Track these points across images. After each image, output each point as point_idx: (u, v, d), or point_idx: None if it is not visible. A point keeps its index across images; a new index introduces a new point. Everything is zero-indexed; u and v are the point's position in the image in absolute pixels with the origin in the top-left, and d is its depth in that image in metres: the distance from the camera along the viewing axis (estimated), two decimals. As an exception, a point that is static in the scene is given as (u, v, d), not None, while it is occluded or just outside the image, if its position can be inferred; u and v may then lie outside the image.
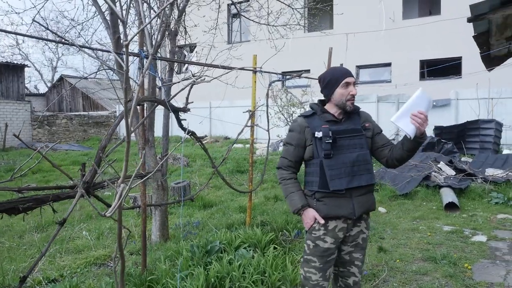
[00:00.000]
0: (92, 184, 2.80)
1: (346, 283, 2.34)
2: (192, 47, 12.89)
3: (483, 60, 4.63)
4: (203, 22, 6.34)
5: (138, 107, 3.64)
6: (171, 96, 3.80)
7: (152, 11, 4.69)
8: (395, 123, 2.12)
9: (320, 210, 2.20)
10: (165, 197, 4.58)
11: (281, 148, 10.57)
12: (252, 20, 6.59)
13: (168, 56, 4.78)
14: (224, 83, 4.94)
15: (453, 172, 7.63)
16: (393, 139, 12.41)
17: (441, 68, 13.43)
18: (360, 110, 2.35)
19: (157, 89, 4.26)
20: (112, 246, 4.56)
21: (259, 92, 5.00)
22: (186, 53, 14.58)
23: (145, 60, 3.14)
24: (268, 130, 4.69)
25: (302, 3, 7.01)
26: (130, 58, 3.83)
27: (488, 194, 6.72)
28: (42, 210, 2.57)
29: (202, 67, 4.52)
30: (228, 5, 6.28)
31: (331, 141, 2.14)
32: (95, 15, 4.96)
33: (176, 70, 4.93)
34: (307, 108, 2.58)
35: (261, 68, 4.48)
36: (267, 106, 4.92)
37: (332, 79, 2.24)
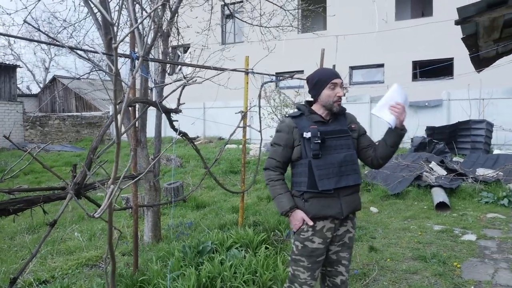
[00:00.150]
0: (83, 185, 2.81)
1: (334, 282, 2.36)
2: (185, 48, 12.89)
3: (472, 61, 4.69)
4: (196, 23, 6.36)
5: (129, 108, 3.65)
6: (163, 97, 3.82)
7: (144, 12, 4.69)
8: (376, 114, 2.28)
9: (308, 211, 2.22)
10: (157, 198, 4.59)
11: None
12: (245, 22, 6.62)
13: (160, 57, 4.79)
14: (216, 84, 4.96)
15: (444, 172, 7.71)
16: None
17: (433, 69, 13.54)
18: (346, 111, 2.39)
19: (149, 90, 4.27)
20: (104, 247, 4.56)
21: (252, 93, 5.03)
22: (180, 54, 14.57)
23: (136, 61, 3.15)
24: (260, 131, 4.71)
25: (295, 5, 7.04)
26: (123, 59, 3.84)
27: (478, 194, 6.80)
28: (34, 211, 2.57)
29: (195, 68, 4.54)
30: (221, 6, 6.29)
31: (319, 141, 2.17)
32: (87, 16, 4.96)
33: (168, 71, 4.93)
34: None
35: (252, 69, 4.51)
36: (259, 107, 4.95)
37: (320, 81, 2.27)
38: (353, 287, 3.53)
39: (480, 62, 4.72)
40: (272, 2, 6.25)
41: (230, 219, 5.40)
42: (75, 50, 3.20)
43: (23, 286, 3.57)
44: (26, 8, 4.58)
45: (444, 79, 14.21)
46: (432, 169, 7.82)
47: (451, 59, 13.77)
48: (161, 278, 3.23)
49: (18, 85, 23.92)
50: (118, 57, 3.59)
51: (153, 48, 4.68)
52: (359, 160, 2.37)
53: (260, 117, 4.96)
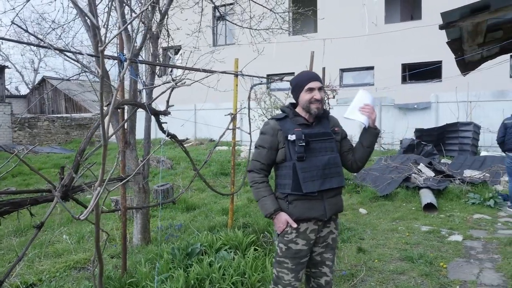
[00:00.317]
0: (70, 187, 2.80)
1: (318, 283, 2.39)
2: (177, 50, 12.87)
3: (458, 65, 4.78)
4: (186, 25, 6.36)
5: (118, 110, 3.64)
6: (152, 99, 3.82)
7: (133, 14, 4.69)
8: (348, 117, 2.36)
9: (292, 213, 2.24)
10: (146, 200, 4.58)
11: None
12: (235, 24, 6.64)
13: (150, 59, 4.78)
14: (206, 86, 4.97)
15: (432, 174, 7.82)
16: None
17: (422, 72, 13.72)
18: (330, 114, 2.42)
19: (139, 92, 4.26)
20: (93, 250, 4.53)
21: (242, 95, 5.05)
22: (171, 56, 14.54)
23: (124, 63, 3.15)
24: (250, 133, 4.73)
25: (284, 8, 7.09)
26: (112, 61, 3.83)
27: (465, 195, 6.90)
28: (21, 214, 2.55)
29: (185, 70, 4.54)
30: (213, 7, 6.31)
31: (304, 144, 2.19)
32: (76, 17, 4.94)
33: (157, 73, 4.93)
34: None
35: (241, 71, 4.53)
36: (249, 109, 4.97)
37: (297, 84, 2.31)
38: (340, 287, 3.56)
39: (466, 65, 4.80)
40: (261, 5, 6.29)
41: (220, 221, 5.41)
42: (62, 51, 3.19)
43: (10, 290, 3.54)
44: (14, 9, 4.55)
45: (433, 82, 14.39)
46: (421, 171, 7.92)
47: (440, 62, 13.96)
48: (150, 281, 3.23)
49: (6, 86, 23.63)
50: (107, 59, 3.58)
51: (143, 49, 4.67)
52: None
53: (249, 119, 4.98)
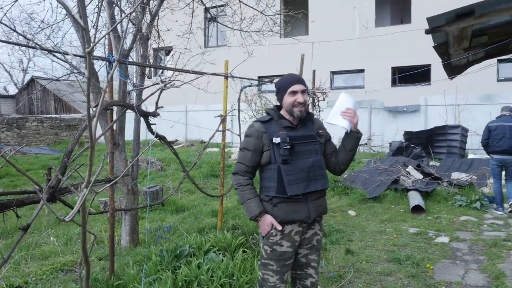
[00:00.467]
0: (57, 189, 2.78)
1: (304, 284, 2.40)
2: (168, 51, 12.84)
3: (445, 68, 4.85)
4: (177, 26, 6.36)
5: (107, 111, 3.63)
6: (141, 101, 3.81)
7: (124, 14, 4.67)
8: (330, 122, 2.37)
9: (277, 215, 2.25)
10: (135, 202, 4.56)
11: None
12: (226, 26, 6.66)
13: (140, 60, 4.77)
14: (196, 88, 4.97)
15: (420, 176, 7.91)
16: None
17: (411, 75, 13.89)
18: (314, 117, 2.45)
19: (128, 93, 4.25)
20: (80, 252, 4.49)
21: (233, 96, 5.06)
22: (162, 57, 14.49)
23: (113, 64, 3.14)
24: (239, 135, 4.74)
25: (275, 10, 7.13)
26: (101, 61, 3.81)
27: (452, 197, 7.00)
28: (9, 216, 2.53)
29: (175, 71, 4.54)
30: (204, 9, 6.31)
31: (289, 147, 2.20)
32: (65, 17, 4.91)
33: (147, 74, 4.92)
34: None
35: (231, 73, 4.54)
36: (239, 110, 4.98)
37: (281, 87, 2.32)
38: (328, 289, 3.59)
39: (453, 69, 4.88)
40: (252, 7, 6.31)
41: (210, 222, 5.41)
42: (50, 52, 3.17)
43: (-5, 292, 3.49)
44: (1, 8, 4.50)
45: (422, 85, 14.58)
46: (409, 173, 8.01)
47: (429, 66, 14.14)
48: (137, 283, 3.22)
49: (-6, 86, 23.30)
50: (97, 60, 3.56)
51: (133, 51, 4.66)
52: None
53: (239, 121, 5.00)
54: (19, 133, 18.64)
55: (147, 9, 4.77)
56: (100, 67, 4.15)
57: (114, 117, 3.72)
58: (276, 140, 2.22)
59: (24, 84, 26.43)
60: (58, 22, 5.19)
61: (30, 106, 24.43)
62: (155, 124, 3.41)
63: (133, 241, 4.58)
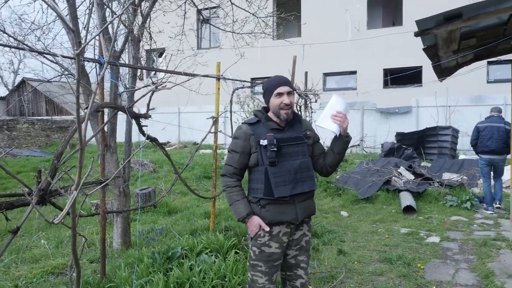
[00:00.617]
0: (48, 191, 2.76)
1: (294, 285, 2.41)
2: (161, 53, 12.80)
3: (435, 70, 4.91)
4: (169, 28, 6.35)
5: (98, 113, 3.61)
6: (133, 103, 3.80)
7: (115, 16, 4.66)
8: (320, 126, 2.32)
9: (265, 217, 2.26)
10: (127, 204, 4.54)
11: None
12: (218, 27, 6.66)
13: (131, 62, 4.76)
14: (188, 89, 4.97)
15: (412, 177, 7.97)
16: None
17: (403, 77, 14.01)
18: (302, 118, 2.45)
19: (119, 95, 4.23)
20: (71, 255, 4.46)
21: (226, 98, 5.06)
22: (154, 58, 14.44)
23: (104, 66, 3.13)
24: (231, 136, 4.74)
25: (267, 12, 7.15)
26: (92, 63, 3.79)
27: (443, 197, 7.07)
28: (0, 218, 2.51)
29: (167, 73, 4.53)
30: (196, 11, 6.31)
31: (276, 149, 2.20)
32: (56, 19, 4.88)
33: (139, 76, 4.91)
34: None
35: (222, 75, 4.55)
36: (231, 112, 4.99)
37: (267, 89, 2.32)
38: (320, 289, 3.60)
39: (442, 71, 4.94)
40: (244, 9, 6.33)
41: (202, 224, 5.40)
42: (40, 53, 3.15)
43: (-16, 296, 3.46)
44: (-9, 9, 4.46)
45: (413, 87, 14.71)
46: (401, 174, 8.07)
47: (420, 67, 14.28)
48: (129, 285, 3.20)
49: (-16, 88, 23.04)
50: (87, 62, 3.55)
51: (124, 52, 4.65)
52: None
53: (231, 122, 5.00)
54: (10, 135, 18.44)
55: (139, 11, 4.76)
56: (91, 69, 4.13)
57: (105, 119, 3.71)
58: (263, 142, 2.22)
59: (15, 85, 26.15)
60: (49, 24, 5.15)
61: (21, 107, 24.19)
62: (147, 126, 3.40)
63: (125, 243, 4.56)
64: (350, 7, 15.97)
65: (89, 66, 4.24)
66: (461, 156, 11.28)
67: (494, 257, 4.36)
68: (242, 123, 2.43)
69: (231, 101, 4.88)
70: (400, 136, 11.69)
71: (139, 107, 5.89)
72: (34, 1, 4.89)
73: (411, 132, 12.16)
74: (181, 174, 3.87)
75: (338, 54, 15.95)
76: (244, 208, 2.28)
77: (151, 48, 5.64)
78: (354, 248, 4.77)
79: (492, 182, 6.68)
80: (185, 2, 6.05)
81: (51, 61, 3.85)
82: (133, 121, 3.51)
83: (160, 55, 13.87)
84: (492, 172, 6.64)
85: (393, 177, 7.79)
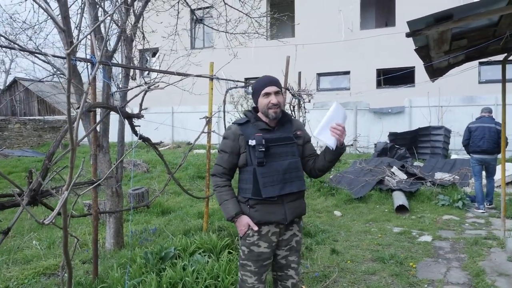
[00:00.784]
0: (39, 191, 2.74)
1: (285, 286, 2.42)
2: (154, 52, 12.75)
3: (426, 71, 4.95)
4: (163, 28, 6.33)
5: (90, 113, 3.59)
6: (125, 102, 3.79)
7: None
8: (317, 137, 2.25)
9: (254, 216, 2.27)
10: (120, 204, 4.51)
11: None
12: (211, 27, 6.65)
13: (124, 61, 4.74)
14: (181, 89, 4.96)
15: (405, 176, 8.03)
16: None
17: (396, 77, 14.09)
18: (293, 118, 2.46)
19: (112, 95, 4.21)
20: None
21: (219, 98, 5.04)
22: (148, 58, 14.39)
23: (96, 65, 3.12)
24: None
25: (260, 12, 7.16)
26: (84, 63, 3.77)
27: (435, 197, 7.13)
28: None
29: (160, 73, 4.52)
30: (189, 11, 6.30)
31: (264, 149, 2.21)
32: (48, 18, 4.84)
33: (132, 76, 4.89)
34: None
35: (216, 75, 4.55)
36: (224, 112, 4.99)
37: (256, 89, 2.33)
38: (313, 289, 3.62)
39: (434, 72, 4.98)
40: (237, 9, 6.33)
41: (196, 224, 5.39)
42: (32, 53, 3.13)
43: (-25, 298, 3.42)
44: (-18, 8, 4.41)
45: (406, 87, 14.80)
46: (394, 174, 8.13)
47: (413, 68, 14.37)
48: (121, 286, 3.19)
49: (-25, 87, 22.79)
50: (79, 61, 3.52)
51: (117, 52, 4.62)
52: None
53: (225, 123, 5.00)
54: (1, 135, 18.25)
55: (131, 10, 4.74)
56: (83, 69, 4.10)
57: (97, 119, 3.69)
58: (252, 142, 2.22)
59: (6, 85, 25.88)
60: (41, 23, 5.11)
61: (13, 107, 23.94)
62: (140, 126, 3.39)
63: (118, 244, 4.54)
64: (344, 7, 16.03)
65: (81, 66, 4.22)
66: (453, 156, 11.38)
67: (485, 256, 4.41)
68: (231, 123, 2.44)
69: (224, 101, 4.87)
70: (393, 136, 11.76)
71: (132, 107, 5.87)
72: (25, 0, 4.84)
73: (404, 132, 12.24)
74: (174, 174, 3.86)
75: (332, 55, 16.01)
76: (233, 208, 2.28)
77: (144, 48, 5.62)
78: (347, 247, 4.79)
79: (485, 181, 6.76)
80: (178, 2, 6.03)
81: (43, 60, 3.82)
82: (126, 121, 3.51)
83: (154, 55, 13.83)
84: (484, 172, 6.71)
85: (386, 177, 7.84)
